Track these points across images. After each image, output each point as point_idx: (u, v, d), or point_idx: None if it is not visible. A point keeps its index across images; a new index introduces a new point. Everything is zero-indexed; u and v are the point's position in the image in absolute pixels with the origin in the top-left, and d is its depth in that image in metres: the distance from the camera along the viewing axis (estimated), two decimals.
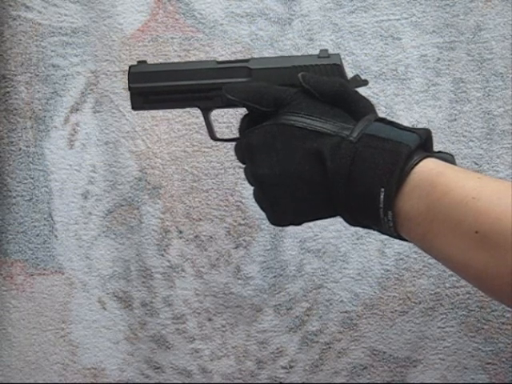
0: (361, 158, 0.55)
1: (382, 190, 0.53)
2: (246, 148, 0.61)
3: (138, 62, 0.67)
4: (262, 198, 0.61)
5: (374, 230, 0.58)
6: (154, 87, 0.66)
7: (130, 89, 0.66)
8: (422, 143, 0.56)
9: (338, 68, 0.62)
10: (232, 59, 0.69)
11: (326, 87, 0.60)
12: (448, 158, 0.57)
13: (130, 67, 0.66)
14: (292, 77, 0.62)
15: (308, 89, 0.60)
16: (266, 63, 0.64)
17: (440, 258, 0.55)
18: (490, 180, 0.53)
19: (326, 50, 0.63)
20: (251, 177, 0.62)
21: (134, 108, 0.67)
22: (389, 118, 0.79)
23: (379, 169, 0.54)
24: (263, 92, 0.61)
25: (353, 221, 0.58)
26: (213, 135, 0.67)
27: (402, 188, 0.53)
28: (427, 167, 0.54)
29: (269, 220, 0.63)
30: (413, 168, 0.53)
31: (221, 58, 0.81)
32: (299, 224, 0.63)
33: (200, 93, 0.65)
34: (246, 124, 0.64)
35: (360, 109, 0.60)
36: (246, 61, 0.65)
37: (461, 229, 0.51)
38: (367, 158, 0.55)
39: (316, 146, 0.57)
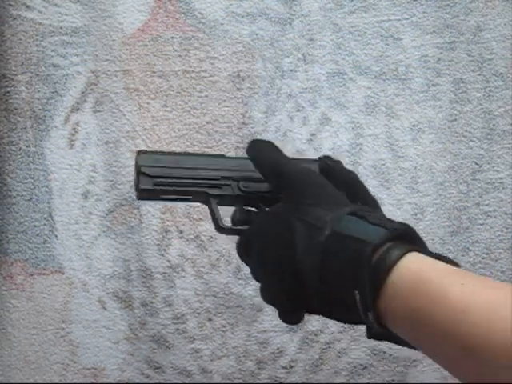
0: (328, 262, 0.53)
1: (356, 292, 0.51)
2: (245, 247, 0.61)
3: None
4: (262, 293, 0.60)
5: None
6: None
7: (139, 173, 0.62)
8: (398, 236, 0.52)
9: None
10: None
11: (343, 173, 0.61)
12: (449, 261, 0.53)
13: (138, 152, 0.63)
14: None
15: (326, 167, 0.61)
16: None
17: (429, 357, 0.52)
18: (476, 288, 0.49)
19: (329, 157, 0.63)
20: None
21: (139, 199, 0.64)
22: (389, 117, 0.80)
23: (347, 273, 0.51)
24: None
25: (340, 321, 0.56)
26: (218, 225, 0.63)
27: (382, 288, 0.50)
28: (408, 267, 0.50)
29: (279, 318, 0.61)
30: (393, 267, 0.50)
31: (221, 58, 0.81)
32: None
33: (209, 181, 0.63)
34: (240, 215, 0.63)
35: (365, 202, 0.59)
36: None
37: (448, 342, 0.48)
38: (334, 263, 0.52)
39: (290, 248, 0.55)
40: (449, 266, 0.51)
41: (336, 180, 0.60)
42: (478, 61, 0.79)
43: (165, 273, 0.83)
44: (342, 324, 0.81)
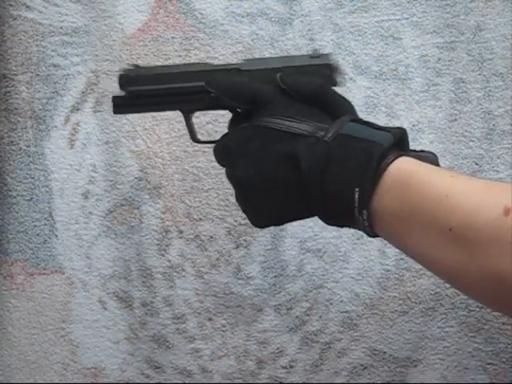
0: (335, 159, 0.55)
1: (357, 189, 0.53)
2: (223, 150, 0.61)
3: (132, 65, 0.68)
4: (241, 200, 0.61)
5: (350, 228, 0.58)
6: (139, 90, 0.66)
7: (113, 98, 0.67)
8: (397, 142, 0.56)
9: (329, 67, 0.62)
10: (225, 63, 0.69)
11: (304, 88, 0.60)
12: (430, 156, 0.57)
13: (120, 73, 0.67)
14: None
15: (285, 89, 0.60)
16: (257, 64, 0.64)
17: (413, 256, 0.55)
18: (462, 178, 0.53)
19: (318, 50, 0.64)
20: (229, 179, 0.61)
21: (115, 112, 0.67)
22: (389, 117, 0.80)
23: (353, 169, 0.54)
24: (243, 88, 0.61)
25: (330, 221, 0.58)
26: (194, 137, 0.68)
27: (377, 187, 0.53)
28: (400, 166, 0.54)
29: (250, 222, 0.62)
30: (387, 167, 0.54)
31: (221, 58, 0.81)
32: (280, 224, 0.63)
33: (182, 96, 0.65)
34: (230, 127, 0.64)
35: (338, 110, 0.59)
36: (238, 64, 0.64)
37: (435, 226, 0.51)
38: (341, 159, 0.55)
39: (290, 147, 0.57)
40: (439, 167, 0.55)
41: (303, 98, 0.60)
42: (478, 60, 0.79)
43: (165, 273, 0.83)
44: (341, 324, 0.81)
